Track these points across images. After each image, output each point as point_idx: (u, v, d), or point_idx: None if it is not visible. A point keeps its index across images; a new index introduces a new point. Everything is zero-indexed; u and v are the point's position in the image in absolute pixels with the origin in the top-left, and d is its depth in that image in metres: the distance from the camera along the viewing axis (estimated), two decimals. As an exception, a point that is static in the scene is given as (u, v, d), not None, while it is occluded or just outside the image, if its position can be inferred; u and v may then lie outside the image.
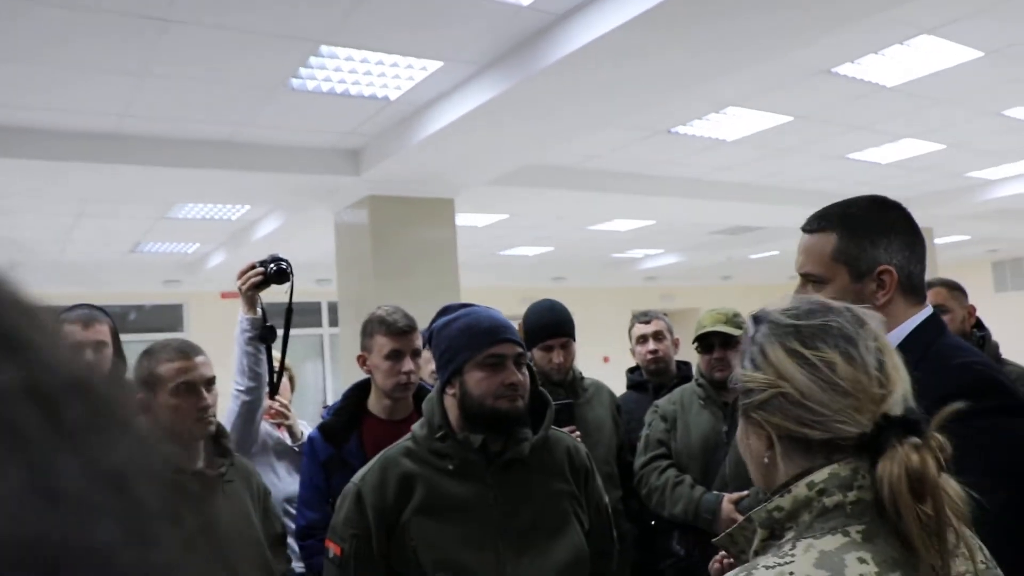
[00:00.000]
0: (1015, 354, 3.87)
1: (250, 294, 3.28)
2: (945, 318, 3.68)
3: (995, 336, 3.90)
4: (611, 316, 13.30)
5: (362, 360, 3.16)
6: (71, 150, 6.20)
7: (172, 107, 5.89)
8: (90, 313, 3.39)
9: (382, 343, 3.06)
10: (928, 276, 3.92)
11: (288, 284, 3.29)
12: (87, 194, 7.78)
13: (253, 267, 3.29)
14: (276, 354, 3.41)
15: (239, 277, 3.30)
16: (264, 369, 3.31)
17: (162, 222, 9.57)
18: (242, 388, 3.29)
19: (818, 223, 1.91)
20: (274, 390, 3.46)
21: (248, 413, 3.33)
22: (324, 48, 5.10)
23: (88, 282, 11.86)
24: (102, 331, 3.39)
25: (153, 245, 11.02)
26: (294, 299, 3.35)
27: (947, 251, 15.70)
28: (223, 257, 11.53)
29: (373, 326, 3.10)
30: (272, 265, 3.27)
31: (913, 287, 1.87)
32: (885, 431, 1.13)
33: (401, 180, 7.47)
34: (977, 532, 1.22)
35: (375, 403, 3.15)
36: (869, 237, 1.84)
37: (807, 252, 1.91)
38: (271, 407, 3.83)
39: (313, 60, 5.27)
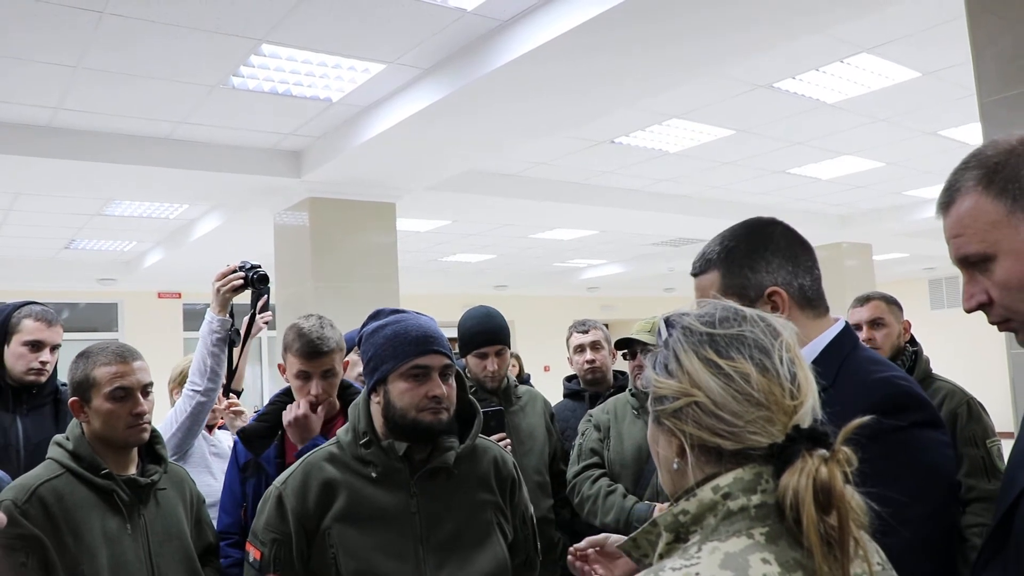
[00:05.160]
0: (948, 371, 3.91)
1: (227, 296, 3.33)
2: (882, 332, 3.74)
3: (929, 352, 3.94)
4: (552, 325, 13.33)
5: (282, 369, 3.08)
6: (2, 142, 6.06)
7: (109, 101, 5.79)
8: (51, 311, 3.45)
9: (292, 362, 2.95)
10: (867, 291, 3.98)
11: (269, 292, 3.42)
12: (19, 187, 7.60)
13: (234, 270, 3.35)
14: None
15: (219, 279, 3.34)
16: (223, 372, 3.33)
17: (98, 218, 9.39)
18: (200, 388, 3.28)
19: (701, 265, 1.95)
20: (227, 390, 3.52)
21: (200, 413, 3.33)
22: (266, 47, 5.04)
23: (19, 279, 11.66)
24: (60, 333, 3.45)
25: (88, 242, 10.80)
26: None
27: (885, 268, 15.96)
28: (160, 256, 11.35)
29: (288, 341, 2.97)
30: (251, 272, 3.35)
31: (809, 300, 1.87)
32: (795, 442, 1.13)
33: (342, 183, 7.42)
34: (891, 545, 1.23)
35: None
36: (748, 264, 1.87)
37: (699, 292, 1.95)
38: (228, 405, 3.91)
39: (255, 59, 5.21)
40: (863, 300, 3.87)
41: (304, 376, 2.93)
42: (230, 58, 5.16)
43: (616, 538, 2.01)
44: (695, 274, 1.97)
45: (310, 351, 2.90)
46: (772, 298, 1.84)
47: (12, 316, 3.38)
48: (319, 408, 2.93)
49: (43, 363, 3.37)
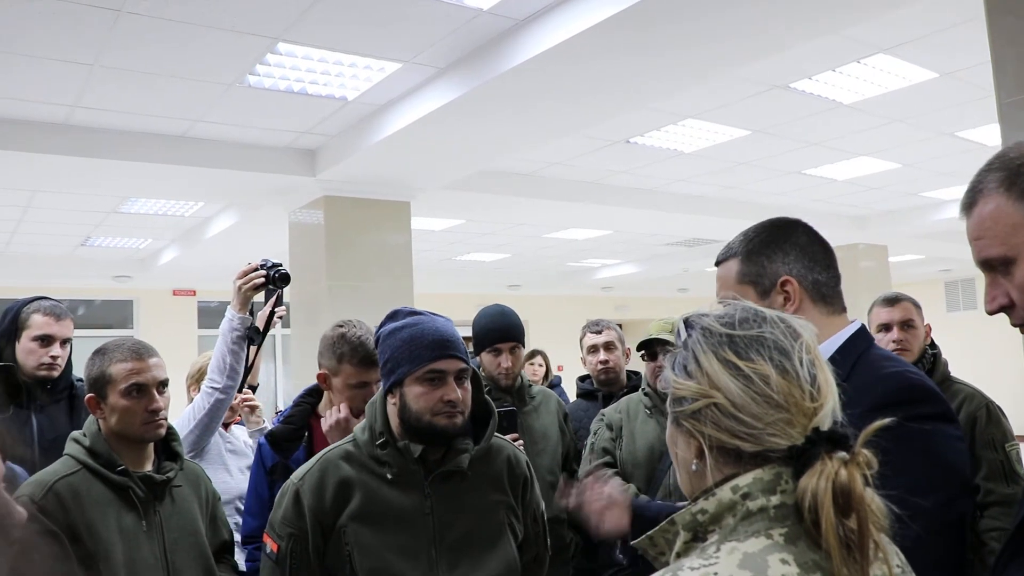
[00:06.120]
0: (963, 373, 3.89)
1: (249, 294, 3.36)
2: (911, 333, 3.72)
3: (945, 355, 3.92)
4: (566, 325, 13.31)
5: (323, 379, 2.97)
6: (20, 139, 6.08)
7: (125, 100, 5.80)
8: (60, 306, 3.46)
9: (350, 372, 2.88)
10: (889, 292, 3.96)
11: (284, 289, 3.44)
12: (36, 185, 7.64)
13: (256, 269, 3.39)
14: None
15: (240, 277, 3.37)
16: (243, 369, 3.35)
17: (113, 216, 9.43)
18: (219, 386, 3.29)
19: (724, 254, 2.01)
20: (242, 384, 3.52)
21: (218, 411, 3.35)
22: (282, 46, 5.04)
23: (36, 275, 11.72)
24: (70, 327, 3.46)
25: (104, 239, 10.84)
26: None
27: (901, 269, 15.88)
28: (175, 254, 11.39)
29: (343, 351, 2.88)
30: (273, 271, 3.39)
31: (823, 296, 1.91)
32: (815, 445, 1.13)
33: (357, 181, 7.43)
34: (905, 535, 1.23)
35: (326, 407, 3.02)
36: (765, 254, 1.92)
37: (719, 281, 2.01)
38: (242, 400, 3.95)
39: (271, 57, 5.21)
40: (892, 301, 3.82)
41: (362, 385, 2.89)
42: (246, 57, 5.17)
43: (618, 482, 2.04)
44: (717, 263, 2.03)
45: (373, 362, 2.82)
46: (785, 287, 1.88)
47: (21, 312, 3.40)
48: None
49: (54, 358, 3.38)
